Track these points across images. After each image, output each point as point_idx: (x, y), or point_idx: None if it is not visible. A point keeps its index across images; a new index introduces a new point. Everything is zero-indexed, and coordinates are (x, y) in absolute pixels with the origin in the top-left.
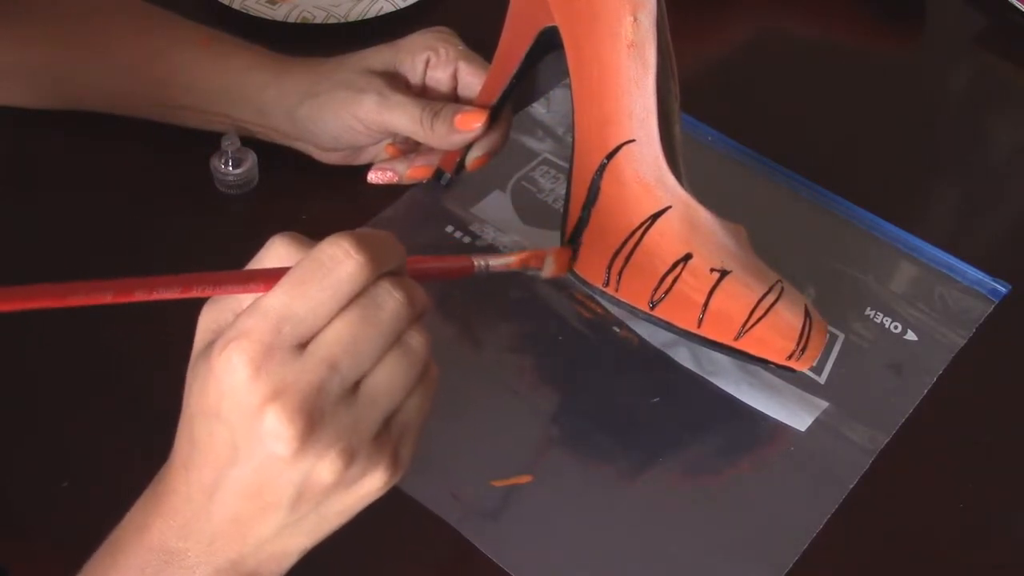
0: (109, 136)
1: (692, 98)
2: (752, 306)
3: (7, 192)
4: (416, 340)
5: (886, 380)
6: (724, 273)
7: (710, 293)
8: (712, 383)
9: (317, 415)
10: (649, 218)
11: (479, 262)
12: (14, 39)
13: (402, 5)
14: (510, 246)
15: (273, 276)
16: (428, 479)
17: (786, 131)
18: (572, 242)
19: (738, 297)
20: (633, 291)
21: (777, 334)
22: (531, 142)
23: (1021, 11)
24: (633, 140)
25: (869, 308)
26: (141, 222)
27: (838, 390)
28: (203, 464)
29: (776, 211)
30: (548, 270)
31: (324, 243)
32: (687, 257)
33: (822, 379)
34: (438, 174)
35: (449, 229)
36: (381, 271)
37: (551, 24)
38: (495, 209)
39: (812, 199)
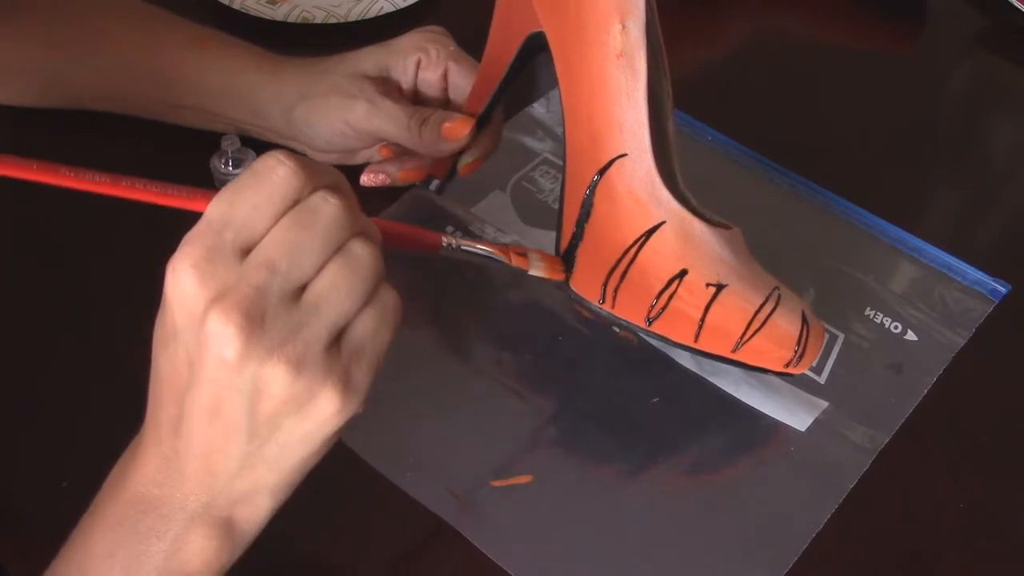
0: (109, 136)
1: (692, 98)
2: (749, 319)
3: (6, 191)
4: (360, 249)
5: (886, 380)
6: (720, 287)
7: (706, 309)
8: (712, 383)
9: (257, 315)
10: (643, 235)
11: (448, 240)
12: (13, 38)
13: (402, 5)
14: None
15: (208, 194)
16: (427, 478)
17: (786, 131)
18: (567, 258)
19: (734, 310)
20: (629, 308)
21: (774, 344)
22: (531, 142)
23: (1021, 11)
24: (625, 154)
25: (869, 308)
26: (140, 222)
27: (838, 390)
28: (167, 397)
29: (776, 211)
30: (536, 270)
31: (260, 157)
32: (682, 273)
33: (822, 379)
34: (429, 181)
35: (449, 229)
36: (317, 183)
37: (538, 29)
38: (495, 209)
39: (812, 199)
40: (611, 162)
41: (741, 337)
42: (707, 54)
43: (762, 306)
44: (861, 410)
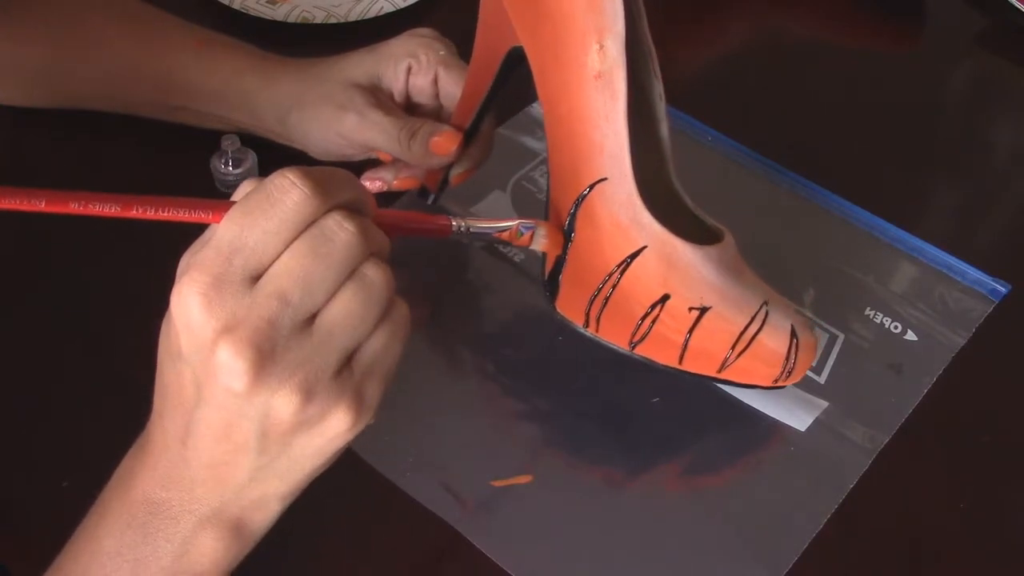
0: (109, 136)
1: (692, 98)
2: (733, 341)
3: None
4: (374, 273)
5: (886, 380)
6: (703, 311)
7: (689, 333)
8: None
9: (268, 348)
10: (624, 260)
11: (458, 224)
12: (10, 38)
13: (402, 5)
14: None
15: (220, 207)
16: (428, 478)
17: (786, 131)
18: (551, 281)
19: (718, 334)
20: (612, 332)
21: (761, 363)
22: (531, 142)
23: (1021, 11)
24: (605, 178)
25: (869, 308)
26: (140, 222)
27: (838, 390)
28: (173, 409)
29: (776, 211)
30: (539, 244)
31: (272, 175)
32: (664, 298)
33: (822, 379)
34: (423, 192)
35: None
36: (331, 204)
37: (519, 44)
38: (495, 209)
39: (812, 199)
40: (591, 186)
41: (725, 359)
42: (707, 54)
43: (747, 327)
44: (861, 410)
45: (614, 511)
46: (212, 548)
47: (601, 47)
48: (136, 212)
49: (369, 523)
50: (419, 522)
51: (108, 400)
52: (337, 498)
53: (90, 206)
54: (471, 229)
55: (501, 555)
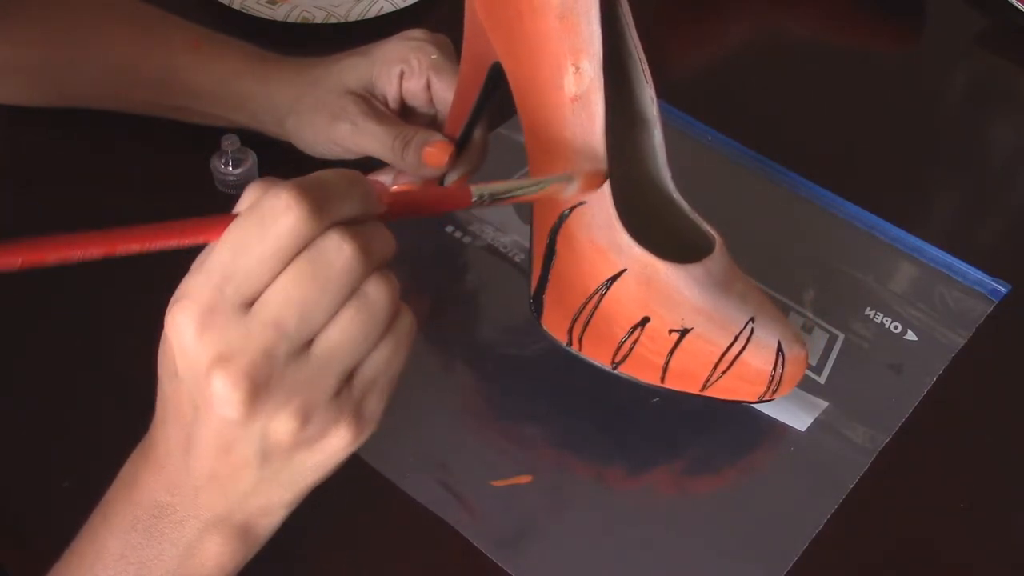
0: (108, 136)
1: (692, 98)
2: (715, 362)
3: (4, 190)
4: (375, 290)
5: (886, 380)
6: (684, 332)
7: (669, 355)
8: None
9: (263, 378)
10: (604, 284)
11: (479, 191)
12: (8, 38)
13: (402, 5)
14: (509, 246)
15: (215, 226)
16: (428, 478)
17: (786, 131)
18: (536, 299)
19: (699, 355)
20: (594, 353)
21: (745, 382)
22: None
23: (1021, 11)
24: (584, 202)
25: (869, 308)
26: (140, 222)
27: (838, 390)
28: (174, 422)
29: (776, 211)
30: (571, 190)
31: (267, 194)
32: (644, 321)
33: (822, 379)
34: None
35: (449, 229)
36: (330, 221)
37: (499, 60)
38: (495, 209)
39: (812, 199)
40: (571, 209)
41: (707, 379)
42: (707, 54)
43: (730, 347)
44: (861, 410)
45: (614, 511)
46: (217, 552)
47: (577, 69)
48: (122, 249)
49: (369, 523)
50: (419, 522)
51: (109, 401)
52: (338, 499)
53: (71, 252)
54: (494, 197)
55: (501, 555)
